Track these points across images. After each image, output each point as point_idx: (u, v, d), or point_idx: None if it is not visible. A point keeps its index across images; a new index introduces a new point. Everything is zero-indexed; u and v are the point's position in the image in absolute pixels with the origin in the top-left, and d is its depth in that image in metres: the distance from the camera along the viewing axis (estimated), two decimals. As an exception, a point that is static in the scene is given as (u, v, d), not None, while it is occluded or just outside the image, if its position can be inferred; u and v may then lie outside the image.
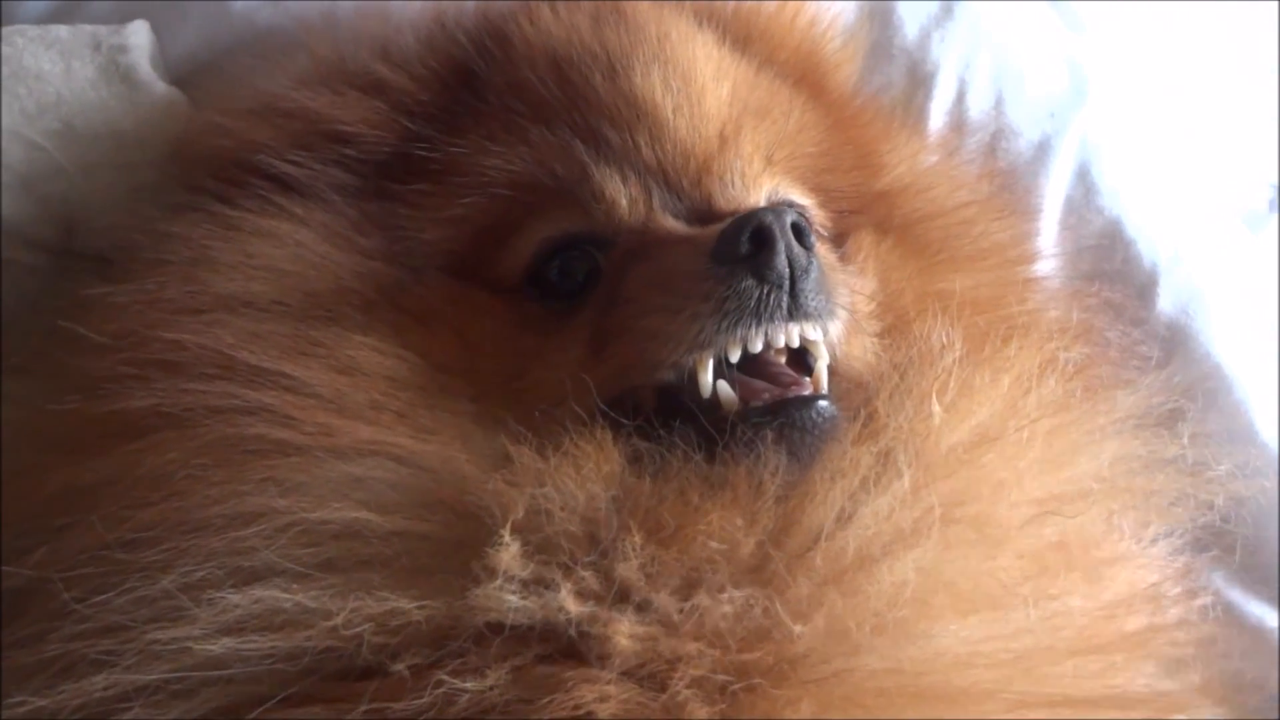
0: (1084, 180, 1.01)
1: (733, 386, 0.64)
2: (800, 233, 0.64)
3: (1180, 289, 0.98)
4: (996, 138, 1.01)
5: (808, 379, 0.65)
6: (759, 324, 0.63)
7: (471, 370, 0.68)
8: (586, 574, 0.57)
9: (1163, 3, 1.28)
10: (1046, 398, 0.68)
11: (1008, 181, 0.96)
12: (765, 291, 0.63)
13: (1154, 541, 0.71)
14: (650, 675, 0.56)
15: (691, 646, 0.55)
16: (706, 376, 0.64)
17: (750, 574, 0.57)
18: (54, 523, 0.63)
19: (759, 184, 0.74)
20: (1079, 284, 0.92)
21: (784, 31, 0.87)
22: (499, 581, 0.56)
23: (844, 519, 0.59)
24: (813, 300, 0.65)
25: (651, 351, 0.65)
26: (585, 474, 0.60)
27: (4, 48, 0.81)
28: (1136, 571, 0.68)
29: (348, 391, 0.64)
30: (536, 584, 0.57)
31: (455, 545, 0.58)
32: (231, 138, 0.76)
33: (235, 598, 0.57)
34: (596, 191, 0.71)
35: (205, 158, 0.78)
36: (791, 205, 0.75)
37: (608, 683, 0.55)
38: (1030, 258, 0.90)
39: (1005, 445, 0.64)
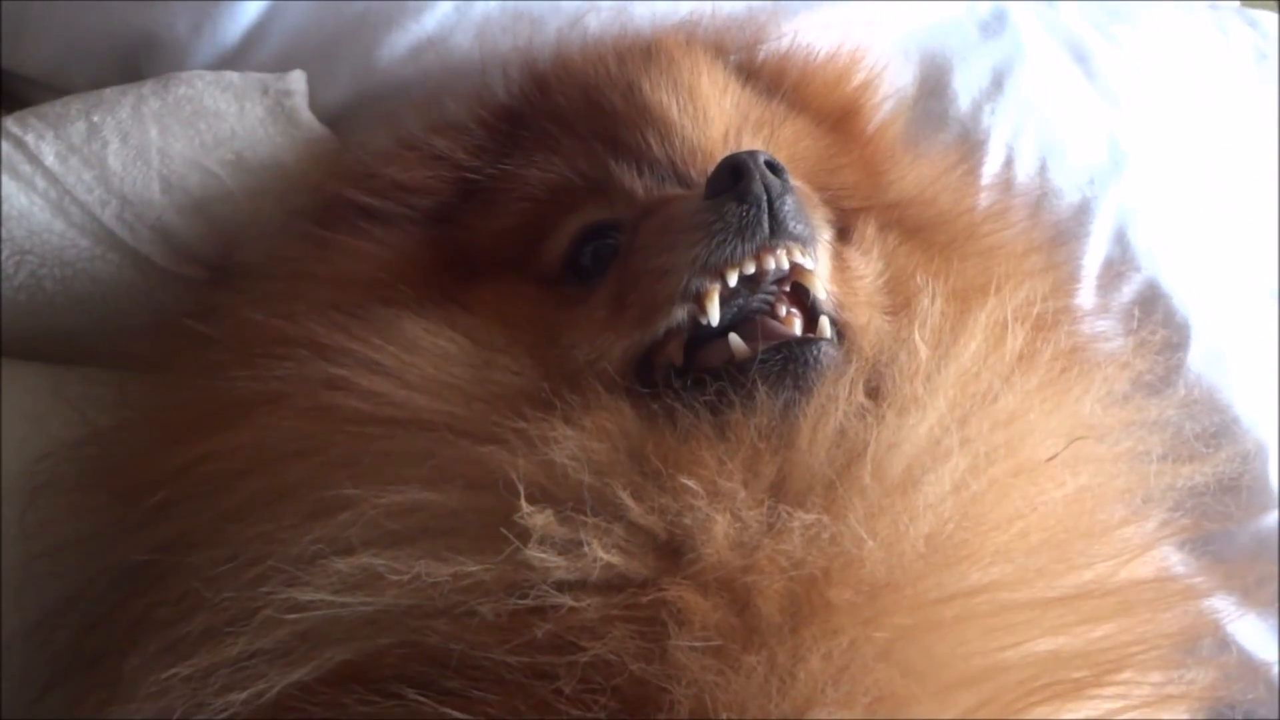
0: (1121, 242, 1.08)
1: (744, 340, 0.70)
2: (774, 167, 0.72)
3: (1209, 348, 1.05)
4: (1041, 199, 1.08)
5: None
6: (744, 242, 0.70)
7: (513, 346, 0.74)
8: (610, 525, 0.62)
9: (1196, 84, 1.36)
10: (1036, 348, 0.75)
11: (1053, 235, 1.03)
12: (746, 210, 0.70)
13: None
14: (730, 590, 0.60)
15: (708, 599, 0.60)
16: (714, 306, 0.70)
17: (804, 497, 0.63)
18: (170, 497, 0.70)
19: None
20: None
21: (818, 78, 0.97)
22: (534, 545, 0.61)
23: (844, 439, 0.64)
24: (793, 223, 0.72)
25: (661, 288, 0.72)
26: (592, 432, 0.66)
27: (185, 88, 0.92)
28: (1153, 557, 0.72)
29: (410, 366, 0.72)
30: (569, 542, 0.61)
31: (492, 513, 0.63)
32: (331, 186, 0.89)
33: (339, 564, 0.62)
34: (616, 183, 0.81)
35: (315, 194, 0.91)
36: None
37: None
38: (1041, 254, 0.96)
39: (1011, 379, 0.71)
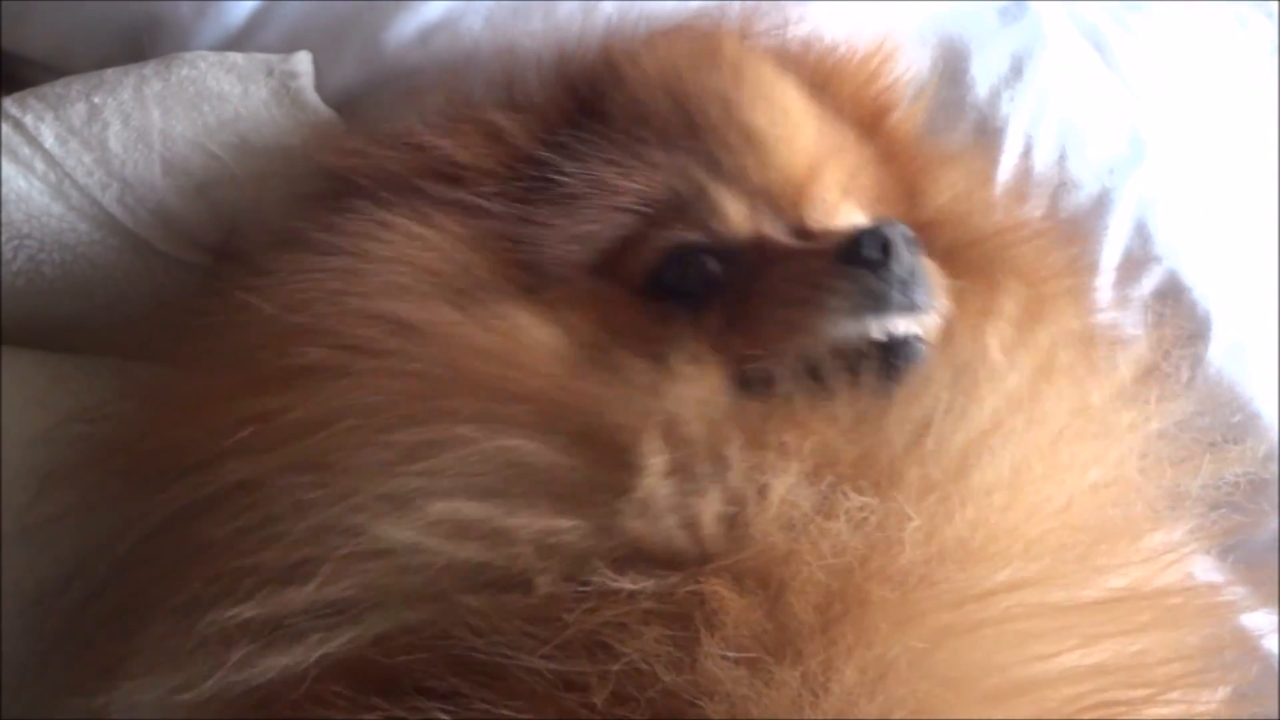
0: (1141, 233, 1.07)
1: None
2: (911, 243, 0.73)
3: (1230, 342, 1.04)
4: (1060, 190, 1.07)
5: None
6: (878, 316, 0.72)
7: (615, 351, 0.72)
8: (714, 486, 0.62)
9: (1213, 75, 1.34)
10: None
11: (1071, 228, 1.02)
12: (885, 288, 0.72)
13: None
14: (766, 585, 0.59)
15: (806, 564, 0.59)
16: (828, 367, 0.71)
17: (862, 478, 0.63)
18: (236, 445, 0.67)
19: (837, 209, 0.83)
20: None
21: (852, 81, 0.95)
22: (643, 498, 0.61)
23: (938, 418, 0.66)
24: (921, 296, 0.73)
25: (784, 345, 0.72)
26: (697, 388, 0.66)
27: (188, 70, 0.90)
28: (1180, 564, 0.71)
29: (510, 350, 0.70)
30: (681, 497, 0.61)
31: (601, 470, 0.63)
32: (370, 161, 0.83)
33: (431, 505, 0.61)
34: (713, 206, 0.80)
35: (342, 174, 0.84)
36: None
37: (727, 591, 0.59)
38: (1073, 272, 0.97)
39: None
